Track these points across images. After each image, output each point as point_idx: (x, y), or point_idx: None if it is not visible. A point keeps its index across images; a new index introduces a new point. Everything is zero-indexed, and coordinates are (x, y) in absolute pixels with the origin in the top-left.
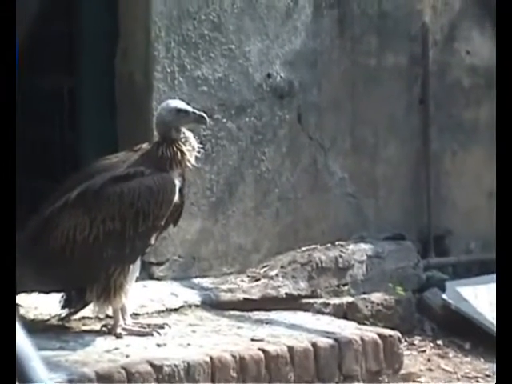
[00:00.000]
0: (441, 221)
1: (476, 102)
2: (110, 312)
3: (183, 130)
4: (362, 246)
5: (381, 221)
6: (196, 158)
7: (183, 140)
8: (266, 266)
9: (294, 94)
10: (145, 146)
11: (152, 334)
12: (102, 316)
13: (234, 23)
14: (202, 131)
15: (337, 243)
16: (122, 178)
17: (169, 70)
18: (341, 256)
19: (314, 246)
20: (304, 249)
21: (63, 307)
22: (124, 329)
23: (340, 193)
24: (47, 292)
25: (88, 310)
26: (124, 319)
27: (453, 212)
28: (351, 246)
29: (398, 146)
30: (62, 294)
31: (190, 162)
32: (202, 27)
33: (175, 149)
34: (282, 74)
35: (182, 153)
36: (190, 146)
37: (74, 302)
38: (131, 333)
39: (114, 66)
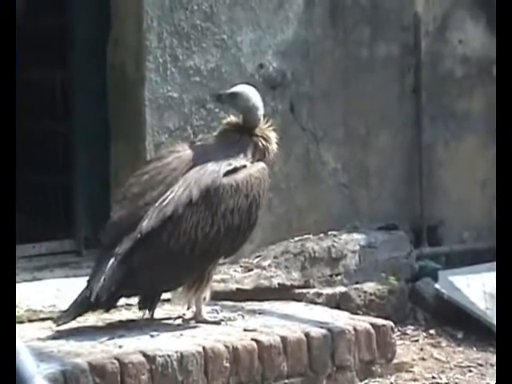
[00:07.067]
0: (433, 210)
1: (468, 92)
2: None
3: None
4: (355, 235)
5: (373, 211)
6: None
7: (266, 127)
8: (258, 256)
9: (287, 85)
10: (213, 135)
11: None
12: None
13: (226, 13)
14: (194, 121)
15: (329, 233)
16: (231, 172)
17: (161, 61)
18: (333, 246)
19: (306, 236)
20: (297, 239)
21: (141, 308)
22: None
23: (333, 183)
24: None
25: None
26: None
27: (445, 202)
28: (344, 236)
29: (390, 135)
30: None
31: (273, 149)
32: (194, 17)
33: (263, 137)
34: (274, 65)
35: (269, 140)
36: (271, 133)
37: (152, 303)
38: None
39: (106, 57)
